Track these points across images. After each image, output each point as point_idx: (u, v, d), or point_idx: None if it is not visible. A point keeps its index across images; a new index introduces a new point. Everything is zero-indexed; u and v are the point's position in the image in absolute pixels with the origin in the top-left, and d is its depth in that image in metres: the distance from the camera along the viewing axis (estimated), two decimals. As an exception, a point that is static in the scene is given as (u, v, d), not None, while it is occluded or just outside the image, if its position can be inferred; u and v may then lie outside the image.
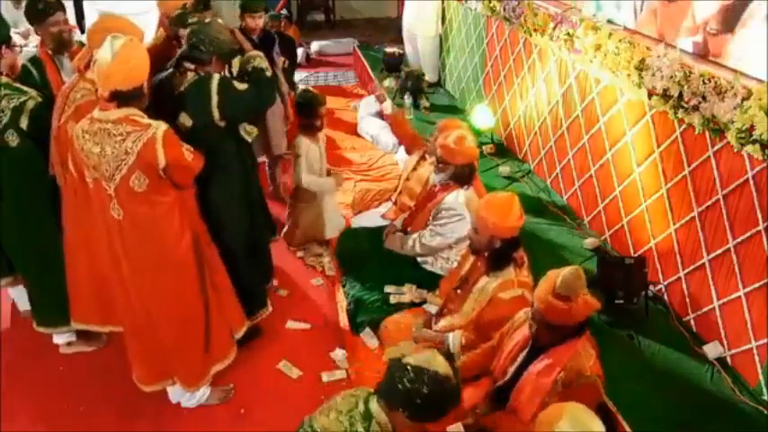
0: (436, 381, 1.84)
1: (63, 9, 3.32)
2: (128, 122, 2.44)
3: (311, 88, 3.99)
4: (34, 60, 3.22)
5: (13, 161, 2.93)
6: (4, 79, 2.86)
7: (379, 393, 1.92)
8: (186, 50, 2.78)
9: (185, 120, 2.74)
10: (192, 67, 2.77)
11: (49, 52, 3.27)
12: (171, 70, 2.80)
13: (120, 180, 2.46)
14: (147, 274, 2.65)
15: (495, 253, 2.66)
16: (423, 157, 3.94)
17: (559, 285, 2.11)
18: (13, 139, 2.86)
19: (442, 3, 6.01)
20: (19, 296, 3.58)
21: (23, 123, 2.82)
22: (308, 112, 3.81)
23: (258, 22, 4.17)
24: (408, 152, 4.27)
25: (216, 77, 2.76)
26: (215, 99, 2.72)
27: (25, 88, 2.88)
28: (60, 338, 3.43)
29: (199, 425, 2.96)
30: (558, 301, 2.10)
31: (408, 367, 1.86)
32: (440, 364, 1.88)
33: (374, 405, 1.91)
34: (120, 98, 2.45)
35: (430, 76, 6.22)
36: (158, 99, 2.74)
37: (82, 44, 3.54)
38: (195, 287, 2.75)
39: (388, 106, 5.19)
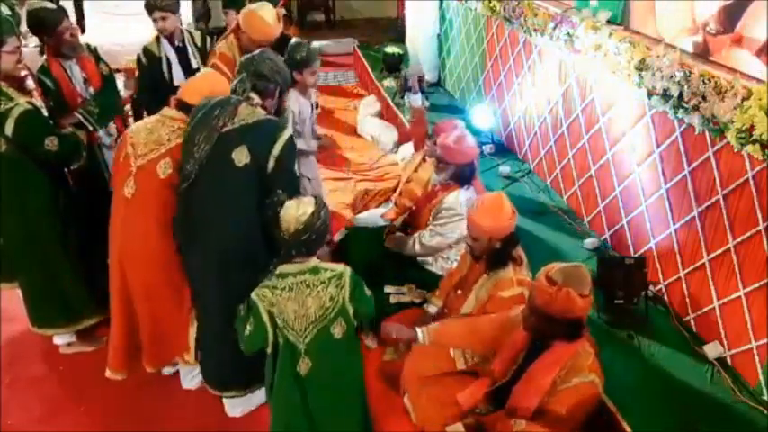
0: (313, 217, 2.21)
1: (66, 14, 3.33)
2: (180, 121, 2.62)
3: (300, 41, 3.71)
4: (43, 69, 3.21)
5: (3, 167, 2.93)
6: None
7: (292, 257, 2.25)
8: (252, 79, 2.62)
9: (242, 155, 2.47)
10: (260, 101, 2.60)
11: (59, 60, 3.27)
12: (238, 98, 2.58)
13: (147, 162, 2.59)
14: (137, 250, 2.71)
15: (496, 253, 2.66)
16: (424, 159, 3.94)
17: (556, 270, 2.14)
18: (0, 145, 2.86)
19: (441, 2, 6.02)
20: None
21: (8, 130, 2.80)
22: (306, 66, 3.54)
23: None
24: (417, 149, 4.22)
25: (289, 132, 2.59)
26: (277, 149, 2.50)
27: (15, 95, 2.84)
28: (60, 339, 3.43)
29: (199, 425, 2.96)
30: (547, 282, 2.12)
31: (300, 233, 2.20)
32: (299, 208, 2.21)
33: (297, 267, 2.24)
34: (184, 108, 2.63)
35: (430, 76, 6.22)
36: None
37: (88, 47, 3.55)
38: (175, 279, 2.75)
39: (417, 99, 5.13)
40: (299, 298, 2.23)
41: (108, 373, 2.99)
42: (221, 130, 2.47)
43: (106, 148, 3.62)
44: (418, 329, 2.56)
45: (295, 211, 2.20)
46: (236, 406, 2.95)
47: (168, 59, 3.86)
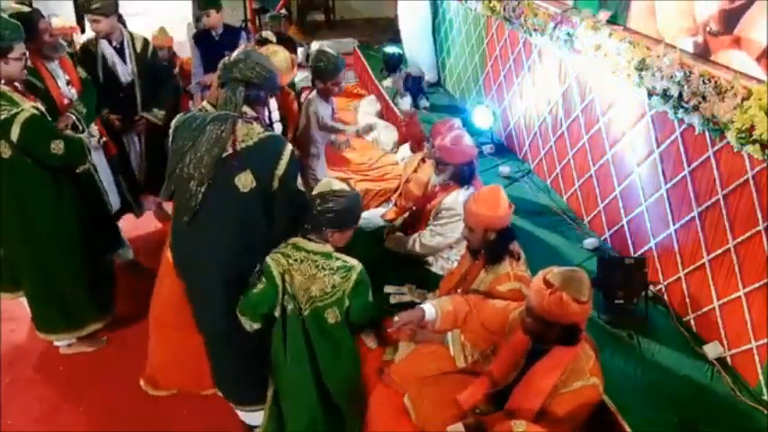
0: (337, 195, 2.35)
1: (42, 14, 3.32)
2: None
3: (328, 50, 3.70)
4: (32, 72, 3.20)
5: (7, 172, 2.92)
6: (1, 89, 2.82)
7: (307, 231, 2.41)
8: (242, 90, 2.38)
9: (247, 180, 2.35)
10: (254, 113, 2.44)
11: (42, 62, 3.26)
12: (233, 115, 2.37)
13: None
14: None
15: (492, 246, 2.67)
16: (423, 160, 3.94)
17: (554, 273, 2.13)
18: (5, 151, 2.86)
19: (434, 3, 6.03)
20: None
21: (14, 135, 2.79)
22: (330, 77, 3.60)
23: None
24: (414, 151, 4.23)
25: (290, 147, 2.45)
26: (281, 168, 2.40)
27: (20, 100, 2.84)
28: (61, 341, 3.43)
29: (199, 424, 2.96)
30: (542, 284, 2.12)
31: (317, 199, 2.35)
32: (336, 184, 2.39)
33: (313, 246, 2.39)
34: None
35: (429, 76, 6.22)
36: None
37: (73, 53, 3.56)
38: None
39: (406, 102, 5.13)
40: (308, 272, 2.38)
41: (142, 385, 3.08)
42: (221, 156, 2.33)
43: (91, 148, 3.63)
44: (428, 305, 2.50)
45: (324, 186, 2.39)
46: (255, 418, 2.90)
47: (105, 59, 3.85)
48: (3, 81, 2.84)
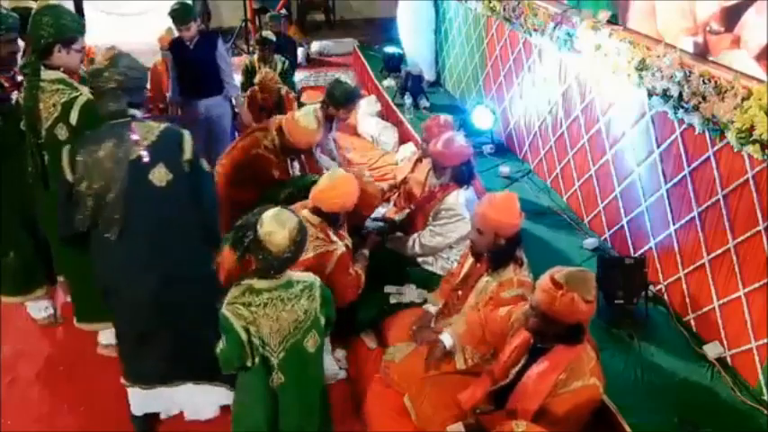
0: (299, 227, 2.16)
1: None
2: (317, 228, 2.83)
3: (345, 80, 3.87)
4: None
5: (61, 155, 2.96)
6: (61, 75, 2.91)
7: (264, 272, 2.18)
8: (123, 97, 2.47)
9: (162, 175, 2.45)
10: (147, 114, 2.54)
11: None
12: (124, 121, 2.47)
13: None
14: None
15: (498, 252, 2.67)
16: (419, 159, 3.94)
17: (562, 273, 2.14)
18: (62, 133, 2.91)
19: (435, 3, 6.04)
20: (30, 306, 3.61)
21: (73, 118, 2.87)
22: (337, 105, 3.76)
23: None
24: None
25: (186, 131, 2.57)
26: (188, 152, 2.52)
27: (78, 86, 2.93)
28: (105, 338, 3.38)
29: (198, 424, 2.96)
30: (551, 284, 2.12)
31: (290, 239, 2.12)
32: (292, 217, 2.17)
33: (269, 283, 2.18)
34: (320, 214, 2.86)
35: (429, 75, 6.22)
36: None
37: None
38: None
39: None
40: (275, 314, 2.18)
41: None
42: (129, 159, 2.42)
43: None
44: (446, 335, 2.69)
45: (280, 232, 2.11)
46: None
47: None
48: (62, 69, 2.92)
